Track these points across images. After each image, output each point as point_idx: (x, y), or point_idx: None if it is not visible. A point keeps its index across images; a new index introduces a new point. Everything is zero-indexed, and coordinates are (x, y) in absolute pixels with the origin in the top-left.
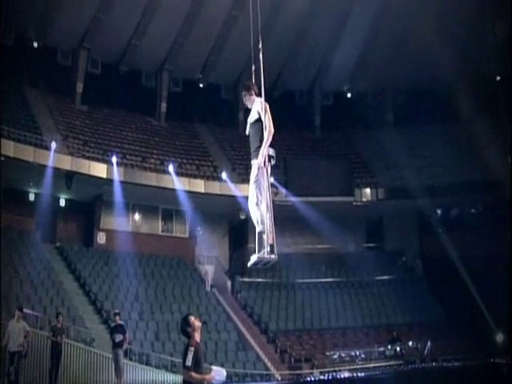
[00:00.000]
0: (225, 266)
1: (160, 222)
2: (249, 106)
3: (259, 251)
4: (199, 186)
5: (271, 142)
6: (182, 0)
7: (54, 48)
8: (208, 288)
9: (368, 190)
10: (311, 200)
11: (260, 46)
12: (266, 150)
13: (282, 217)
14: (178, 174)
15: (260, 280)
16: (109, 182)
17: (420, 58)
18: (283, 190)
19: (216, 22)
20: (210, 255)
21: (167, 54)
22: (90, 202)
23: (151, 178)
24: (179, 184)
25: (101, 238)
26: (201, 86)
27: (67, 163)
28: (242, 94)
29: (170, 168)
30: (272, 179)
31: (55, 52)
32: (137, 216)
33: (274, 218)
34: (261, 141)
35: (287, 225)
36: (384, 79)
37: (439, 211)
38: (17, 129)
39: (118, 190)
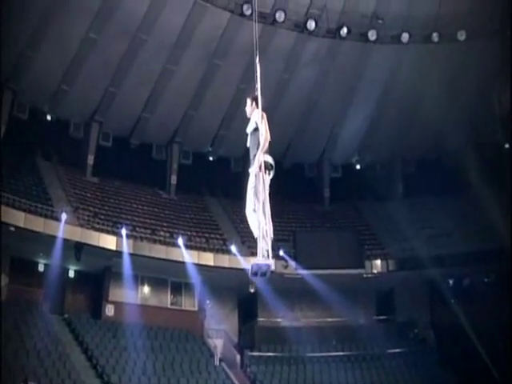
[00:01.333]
0: (234, 340)
1: (169, 294)
2: (248, 115)
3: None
4: (209, 259)
5: (268, 148)
6: (191, 74)
7: (67, 121)
8: (217, 362)
9: (378, 262)
10: (321, 273)
11: (257, 60)
12: (261, 156)
13: (292, 289)
14: (188, 246)
15: (270, 354)
16: (118, 254)
17: (428, 128)
18: (292, 263)
19: (225, 95)
20: (218, 329)
21: (177, 127)
22: (98, 274)
23: (160, 251)
24: (188, 257)
25: (109, 310)
26: (210, 159)
27: (77, 234)
28: (245, 103)
29: (180, 241)
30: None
31: (68, 125)
32: (146, 288)
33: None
34: (258, 147)
35: (296, 298)
36: (392, 150)
37: (451, 281)
38: (28, 199)
39: (127, 262)
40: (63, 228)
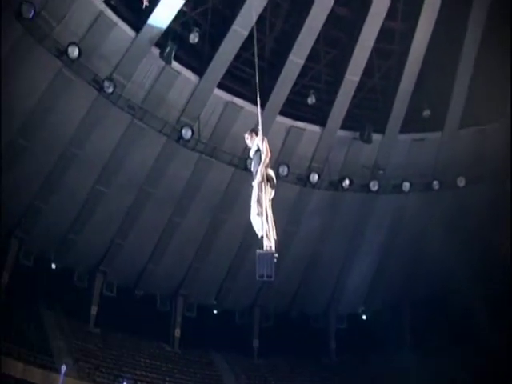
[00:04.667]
0: None
1: None
2: (249, 145)
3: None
4: None
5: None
6: (197, 227)
7: (72, 270)
8: None
9: None
10: None
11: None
12: (263, 169)
13: None
14: None
15: None
16: None
17: (433, 269)
18: None
19: (230, 248)
20: None
21: (182, 279)
22: None
23: None
24: None
25: None
26: (215, 312)
27: None
28: (245, 137)
29: None
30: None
31: (72, 274)
32: None
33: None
34: (260, 163)
35: None
36: (398, 296)
37: None
38: (28, 349)
39: None
40: (63, 381)
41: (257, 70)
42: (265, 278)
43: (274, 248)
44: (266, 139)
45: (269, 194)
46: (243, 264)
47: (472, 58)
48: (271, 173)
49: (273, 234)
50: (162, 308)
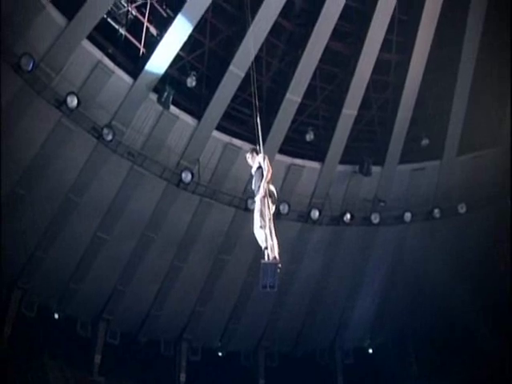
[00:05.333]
0: None
1: None
2: (250, 164)
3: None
4: None
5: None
6: (199, 270)
7: (74, 319)
8: None
9: None
10: None
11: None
12: (266, 185)
13: None
14: None
15: None
16: None
17: (436, 299)
18: None
19: (233, 289)
20: None
21: (186, 323)
22: None
23: None
24: None
25: None
26: (220, 354)
27: None
28: (247, 156)
29: None
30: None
31: (75, 323)
32: None
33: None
34: (262, 180)
35: None
36: (403, 327)
37: None
38: None
39: None
40: None
41: (257, 101)
42: (268, 289)
43: (277, 258)
44: (267, 157)
45: (271, 208)
46: (247, 304)
47: (468, 85)
48: (273, 188)
49: (275, 246)
50: (166, 353)
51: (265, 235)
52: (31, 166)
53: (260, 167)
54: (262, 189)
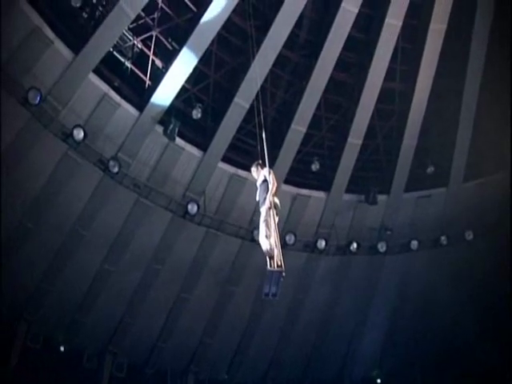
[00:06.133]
0: None
1: None
2: (255, 177)
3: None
4: None
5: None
6: (205, 301)
7: (81, 351)
8: None
9: None
10: None
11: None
12: (271, 197)
13: None
14: None
15: None
16: None
17: (444, 326)
18: None
19: (240, 320)
20: None
21: (193, 355)
22: None
23: None
24: None
25: None
26: None
27: None
28: (252, 170)
29: None
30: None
31: (81, 355)
32: None
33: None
34: (267, 192)
35: None
36: (411, 355)
37: None
38: None
39: None
40: None
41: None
42: (270, 297)
43: (282, 267)
44: (272, 171)
45: (275, 219)
46: (254, 335)
47: (472, 112)
48: (277, 201)
49: (279, 256)
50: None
51: (269, 245)
52: (38, 198)
53: (265, 180)
54: (267, 201)
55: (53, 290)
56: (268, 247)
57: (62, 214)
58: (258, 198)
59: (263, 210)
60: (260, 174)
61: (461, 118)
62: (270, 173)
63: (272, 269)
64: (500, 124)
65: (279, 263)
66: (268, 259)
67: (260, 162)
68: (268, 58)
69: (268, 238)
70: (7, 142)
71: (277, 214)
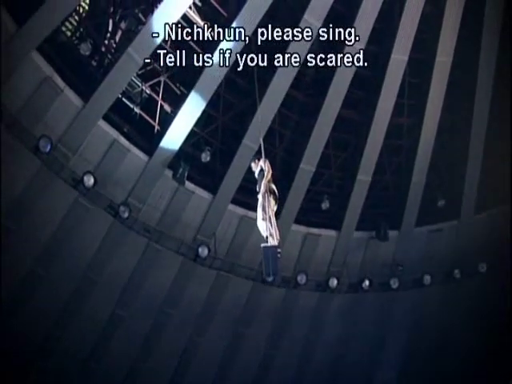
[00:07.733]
0: None
1: None
2: (254, 169)
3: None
4: None
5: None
6: (217, 344)
7: None
8: None
9: None
10: None
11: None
12: (267, 183)
13: None
14: None
15: None
16: None
17: (458, 363)
18: None
19: (252, 363)
20: None
21: None
22: None
23: None
24: None
25: None
26: None
27: None
28: (252, 166)
29: None
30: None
31: None
32: None
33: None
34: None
35: None
36: None
37: None
38: None
39: None
40: None
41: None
42: (271, 277)
43: (278, 244)
44: (267, 160)
45: (272, 204)
46: (266, 377)
47: (481, 145)
48: (274, 187)
49: (276, 235)
50: None
51: (266, 225)
52: (49, 245)
53: (262, 170)
54: (263, 186)
55: (64, 337)
56: (265, 228)
57: (73, 260)
58: (257, 188)
59: (260, 195)
60: (258, 165)
61: (470, 149)
62: (264, 161)
63: (266, 245)
64: (510, 153)
65: (275, 241)
66: (265, 238)
67: (257, 156)
68: (275, 98)
69: (265, 221)
70: (19, 189)
71: (275, 200)
